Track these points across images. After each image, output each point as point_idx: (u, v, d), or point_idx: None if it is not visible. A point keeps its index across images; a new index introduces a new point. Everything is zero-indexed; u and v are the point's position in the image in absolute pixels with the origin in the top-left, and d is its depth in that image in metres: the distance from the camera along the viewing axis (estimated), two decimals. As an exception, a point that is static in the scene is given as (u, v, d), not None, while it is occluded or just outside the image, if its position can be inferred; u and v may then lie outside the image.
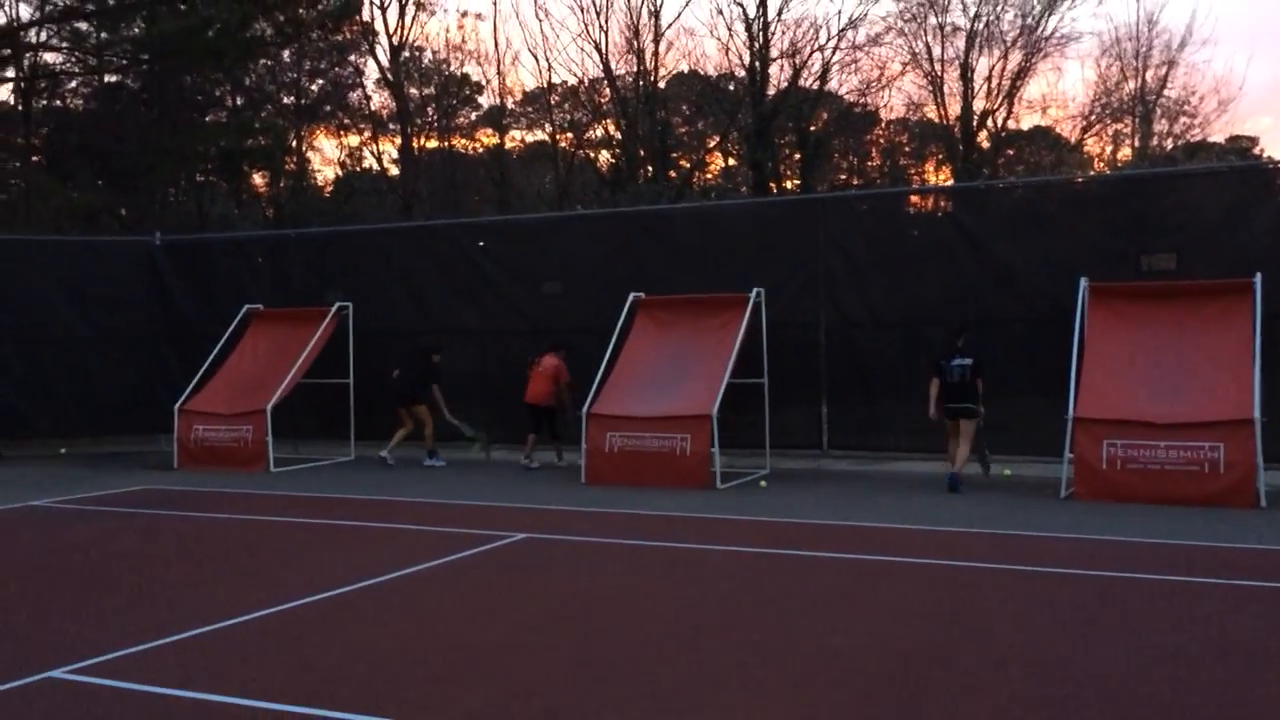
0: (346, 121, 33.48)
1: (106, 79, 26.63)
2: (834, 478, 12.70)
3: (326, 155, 35.88)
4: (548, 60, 34.54)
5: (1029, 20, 27.85)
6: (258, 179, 31.88)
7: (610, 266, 14.57)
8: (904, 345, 13.17)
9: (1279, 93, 48.02)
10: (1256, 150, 36.12)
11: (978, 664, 5.59)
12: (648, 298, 13.57)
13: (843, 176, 37.64)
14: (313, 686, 5.39)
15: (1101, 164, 30.91)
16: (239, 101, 30.43)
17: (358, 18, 28.39)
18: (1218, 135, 30.92)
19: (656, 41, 28.26)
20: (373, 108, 32.65)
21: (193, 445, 14.51)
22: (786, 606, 6.85)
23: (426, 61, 32.52)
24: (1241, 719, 4.78)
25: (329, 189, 35.19)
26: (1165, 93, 29.06)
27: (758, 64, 27.78)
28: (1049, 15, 27.80)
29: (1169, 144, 29.41)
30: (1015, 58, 28.24)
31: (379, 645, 6.10)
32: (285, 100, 31.30)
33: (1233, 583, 7.29)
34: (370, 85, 32.63)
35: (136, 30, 24.31)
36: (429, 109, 33.11)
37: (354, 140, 34.05)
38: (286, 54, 29.10)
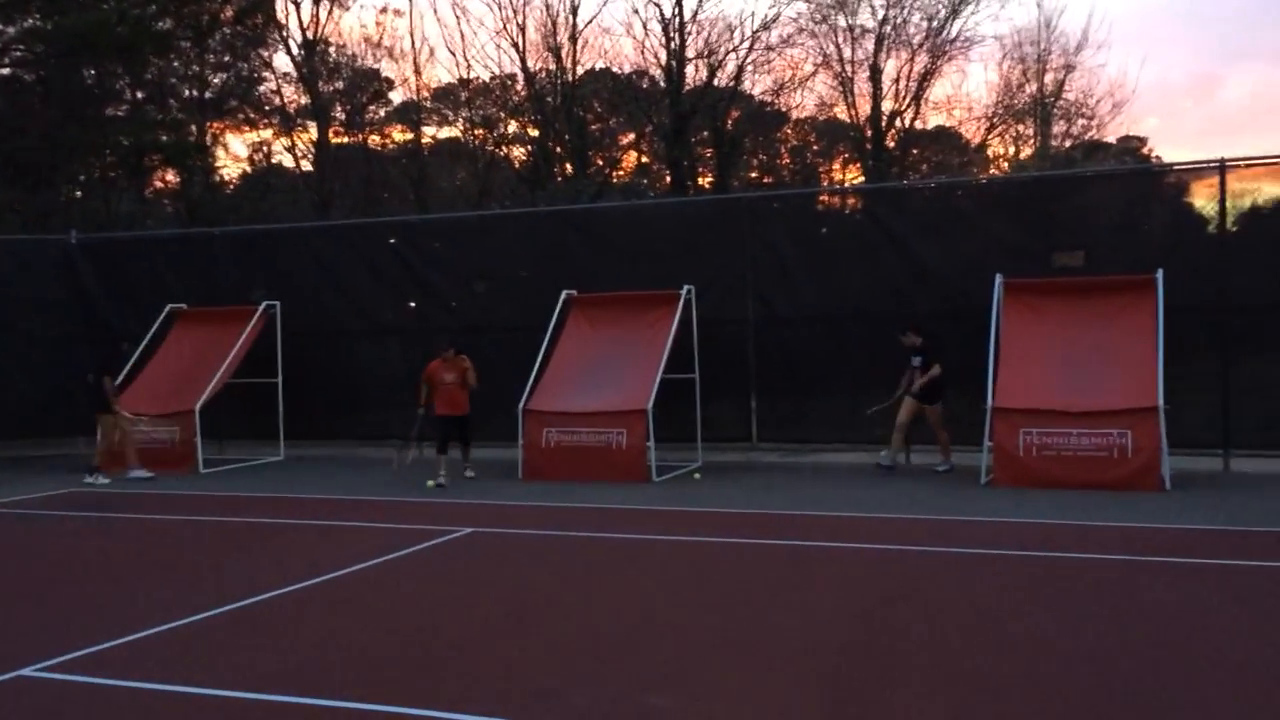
0: (253, 116, 32.92)
1: (4, 73, 25.75)
2: (765, 469, 13.11)
3: (234, 153, 35.09)
4: (465, 57, 34.52)
5: (934, 23, 28.72)
6: (169, 176, 31.16)
7: (541, 264, 14.78)
8: (830, 340, 13.63)
9: (1164, 95, 50.22)
10: (1145, 150, 37.75)
11: (921, 638, 5.97)
12: (580, 295, 13.80)
13: (754, 174, 38.26)
14: (289, 676, 5.52)
15: (1005, 164, 32.03)
16: (139, 95, 29.69)
17: (270, 12, 27.92)
18: (1111, 136, 32.34)
19: (574, 39, 28.43)
20: (282, 102, 32.16)
21: (117, 447, 14.26)
22: (735, 592, 7.17)
23: (334, 56, 32.12)
24: (1159, 673, 5.23)
25: (233, 185, 34.52)
26: (1064, 94, 30.27)
27: (674, 64, 28.14)
28: (953, 19, 28.71)
29: (1068, 144, 30.63)
30: (922, 60, 29.09)
31: (347, 637, 6.25)
32: (188, 94, 30.64)
33: (1142, 558, 7.84)
34: (279, 80, 32.13)
35: (36, 22, 23.57)
36: (339, 104, 32.73)
37: (265, 135, 33.47)
38: (188, 47, 28.44)
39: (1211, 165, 12.37)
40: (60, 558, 8.95)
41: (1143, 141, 38.16)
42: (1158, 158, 35.90)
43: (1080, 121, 30.95)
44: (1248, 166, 12.38)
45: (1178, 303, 11.62)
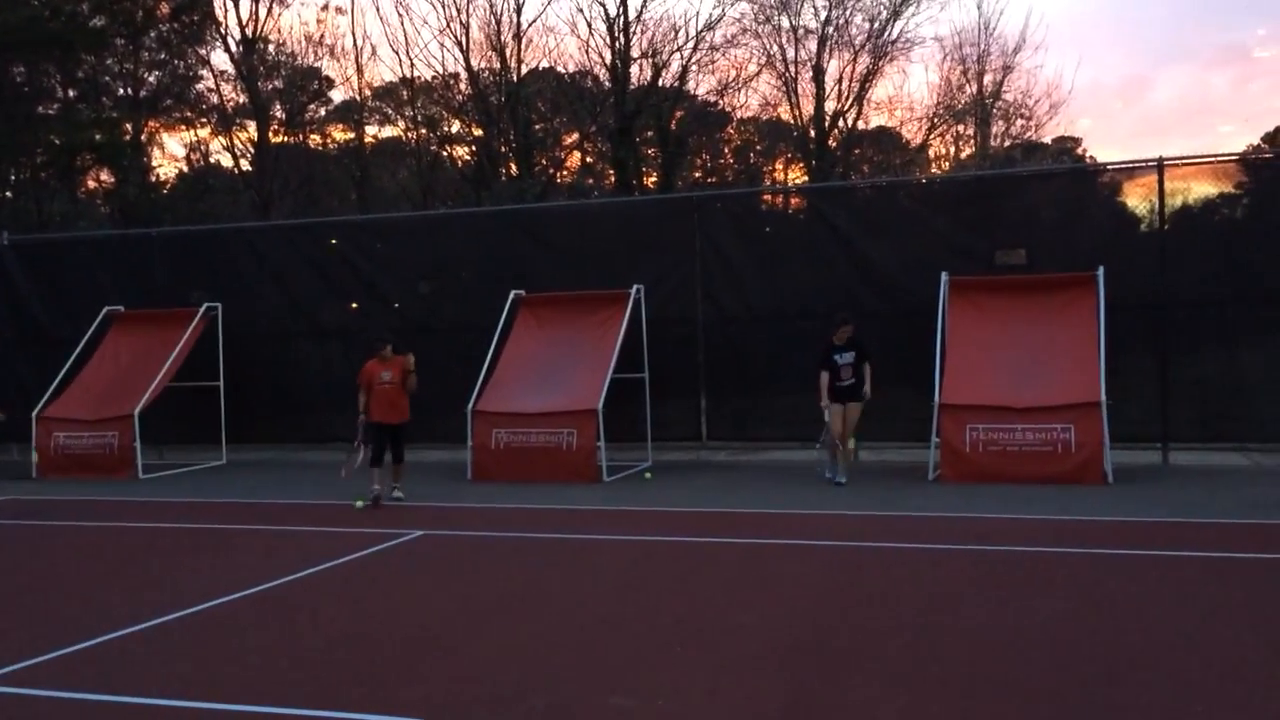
0: (190, 115, 32.28)
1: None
2: (715, 468, 13.13)
3: (171, 152, 34.40)
4: (409, 56, 34.31)
5: (876, 25, 28.97)
6: (104, 175, 30.44)
7: (488, 264, 14.67)
8: (778, 338, 13.68)
9: (1097, 96, 51.31)
10: (1080, 150, 38.48)
11: (874, 633, 6.01)
12: (529, 295, 13.72)
13: (697, 175, 38.38)
14: (240, 685, 5.41)
15: (945, 164, 32.43)
16: (71, 93, 28.96)
17: (208, 8, 27.42)
18: (1047, 136, 32.89)
19: (518, 38, 28.27)
20: (220, 100, 31.56)
21: (53, 453, 13.98)
22: (692, 590, 7.16)
23: (273, 53, 31.58)
24: (1106, 662, 5.31)
25: (169, 185, 33.83)
26: (1003, 95, 30.71)
27: (618, 63, 28.11)
28: (895, 20, 28.98)
29: (1007, 144, 31.09)
30: (864, 61, 29.33)
31: (303, 642, 6.14)
32: (122, 92, 29.95)
33: (1088, 551, 7.96)
34: (217, 78, 31.52)
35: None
36: (277, 103, 32.21)
37: (202, 134, 32.82)
38: (121, 43, 27.81)
39: (1150, 165, 12.62)
40: (3, 568, 8.70)
41: (1077, 142, 38.91)
42: (1092, 158, 36.62)
43: (1019, 122, 31.45)
44: (1184, 165, 12.65)
45: (1117, 299, 11.84)
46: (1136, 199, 13.25)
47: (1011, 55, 30.24)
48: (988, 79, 30.50)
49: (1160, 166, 12.46)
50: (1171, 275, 12.36)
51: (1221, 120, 54.78)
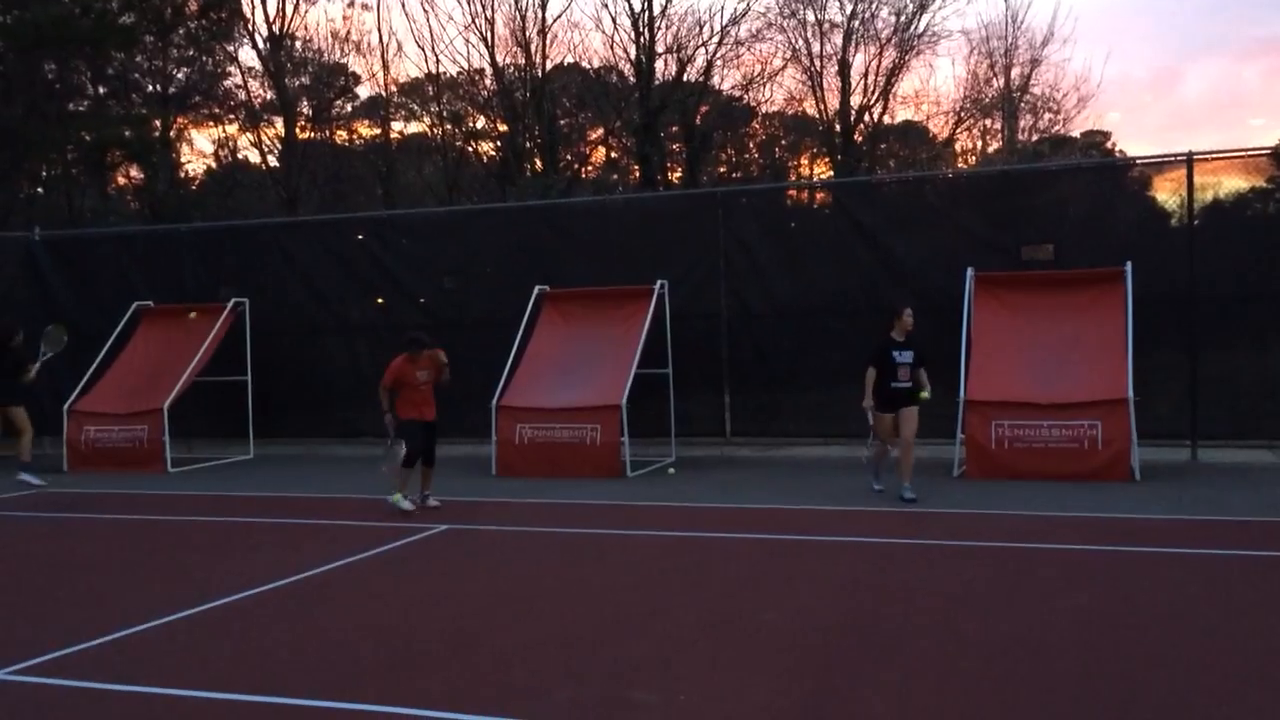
0: (218, 111, 32.54)
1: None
2: (739, 463, 13.11)
3: (199, 148, 34.68)
4: (434, 52, 34.56)
5: (902, 18, 28.79)
6: (133, 171, 30.75)
7: (513, 260, 14.71)
8: (802, 334, 13.65)
9: (1126, 89, 50.78)
10: (1109, 144, 38.14)
11: (898, 631, 5.99)
12: (553, 291, 13.76)
13: (722, 170, 38.28)
14: (266, 677, 5.46)
15: (972, 158, 32.22)
16: (101, 90, 29.25)
17: (235, 5, 27.62)
18: (1076, 130, 32.59)
19: (543, 34, 28.30)
20: (247, 97, 31.80)
21: (83, 447, 14.13)
22: (716, 586, 7.16)
23: (300, 50, 31.78)
24: (1131, 659, 5.27)
25: (198, 182, 34.13)
26: (1030, 89, 30.46)
27: (643, 58, 28.08)
28: (921, 14, 28.78)
29: (1034, 138, 30.85)
30: (890, 55, 29.16)
31: (326, 636, 6.19)
32: (152, 89, 30.23)
33: (1114, 548, 7.91)
34: (245, 74, 31.77)
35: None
36: (304, 99, 32.43)
37: (230, 130, 33.08)
38: (150, 40, 28.06)
39: (1179, 159, 12.49)
40: (28, 560, 8.81)
41: (1106, 135, 38.53)
42: (1121, 152, 36.30)
43: (1046, 116, 31.18)
44: (1214, 159, 12.52)
45: (1146, 294, 11.73)
46: (1166, 193, 13.12)
47: (1039, 48, 29.97)
48: (1015, 72, 30.26)
49: (1190, 160, 12.34)
50: (1201, 270, 12.23)
51: (1252, 114, 54.09)
